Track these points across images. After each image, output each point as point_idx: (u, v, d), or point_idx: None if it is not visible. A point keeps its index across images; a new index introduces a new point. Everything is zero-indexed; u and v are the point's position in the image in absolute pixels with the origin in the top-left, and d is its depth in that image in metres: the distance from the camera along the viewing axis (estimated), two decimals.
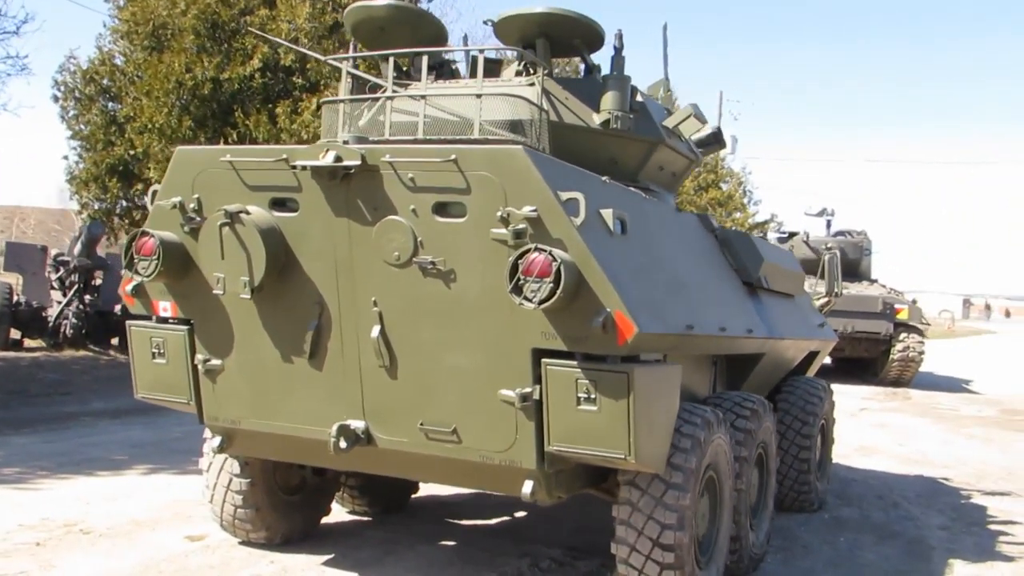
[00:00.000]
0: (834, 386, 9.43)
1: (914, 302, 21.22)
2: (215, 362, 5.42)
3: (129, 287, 5.52)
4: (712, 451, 5.54)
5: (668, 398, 5.11)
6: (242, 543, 6.47)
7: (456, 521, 7.48)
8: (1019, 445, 13.43)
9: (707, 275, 6.30)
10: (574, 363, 4.64)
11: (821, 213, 23.69)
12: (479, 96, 5.54)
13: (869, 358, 21.60)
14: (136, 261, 5.29)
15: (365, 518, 7.35)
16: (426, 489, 7.89)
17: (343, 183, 4.92)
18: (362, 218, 4.92)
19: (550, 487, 5.01)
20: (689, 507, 5.16)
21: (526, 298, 4.47)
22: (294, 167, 4.98)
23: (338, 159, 4.84)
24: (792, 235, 23.42)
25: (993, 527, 8.25)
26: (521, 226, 4.57)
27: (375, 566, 6.14)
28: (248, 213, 5.02)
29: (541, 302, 4.44)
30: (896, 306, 20.42)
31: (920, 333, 20.67)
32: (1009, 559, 7.23)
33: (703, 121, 6.59)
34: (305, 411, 5.28)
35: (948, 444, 12.97)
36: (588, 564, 6.40)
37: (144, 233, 5.27)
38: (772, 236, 24.01)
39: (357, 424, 5.13)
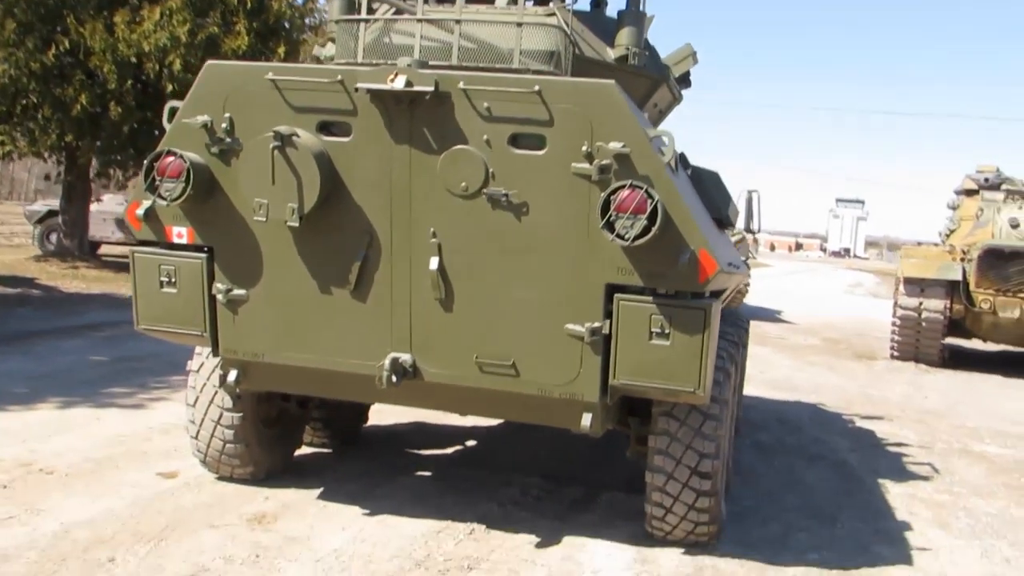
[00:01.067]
0: None
1: (742, 238, 22.29)
2: (238, 292, 5.13)
3: (140, 210, 5.11)
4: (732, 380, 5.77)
5: (717, 332, 5.27)
6: (219, 479, 6.20)
7: (421, 452, 7.43)
8: (859, 371, 14.58)
9: (704, 213, 6.47)
10: (649, 299, 4.70)
11: None
12: (520, 24, 5.41)
13: None
14: (159, 183, 4.91)
15: (325, 450, 7.17)
16: (372, 419, 7.76)
17: (407, 109, 4.72)
18: (426, 146, 4.76)
19: (604, 420, 5.08)
20: (724, 436, 5.36)
21: (619, 235, 4.48)
22: (354, 89, 4.74)
23: (409, 84, 4.64)
24: None
25: (891, 449, 9.00)
26: (606, 162, 4.56)
27: (370, 499, 6.03)
28: (298, 136, 4.74)
29: (635, 239, 4.47)
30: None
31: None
32: (925, 478, 7.93)
33: (696, 61, 6.70)
34: (344, 344, 5.10)
35: (801, 371, 13.91)
36: (574, 491, 6.54)
37: (170, 153, 4.89)
38: None
39: (403, 357, 5.01)
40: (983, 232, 15.82)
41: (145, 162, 4.96)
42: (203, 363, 5.94)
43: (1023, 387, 14.59)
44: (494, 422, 8.29)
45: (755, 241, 26.68)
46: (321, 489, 6.19)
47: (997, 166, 19.66)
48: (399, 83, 4.64)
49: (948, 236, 18.23)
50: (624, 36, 6.13)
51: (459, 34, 5.44)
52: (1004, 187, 18.24)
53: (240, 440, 5.95)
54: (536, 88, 4.59)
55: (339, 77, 4.79)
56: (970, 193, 18.97)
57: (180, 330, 5.34)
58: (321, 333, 5.13)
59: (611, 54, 6.13)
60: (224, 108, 4.93)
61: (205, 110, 4.95)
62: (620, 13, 6.19)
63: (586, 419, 4.98)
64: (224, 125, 4.93)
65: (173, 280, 5.22)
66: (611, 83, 4.59)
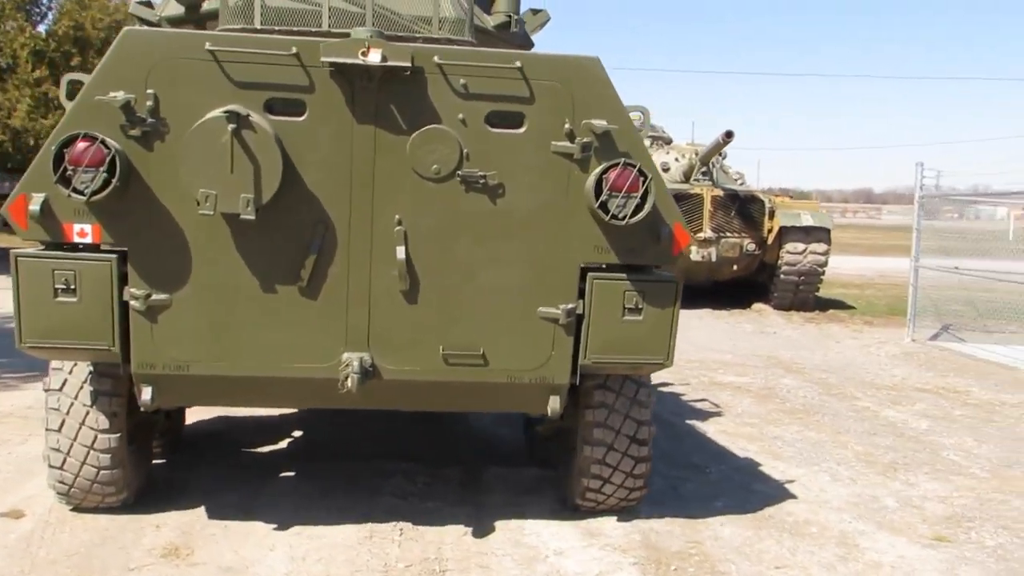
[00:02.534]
0: None
1: None
2: (159, 296, 4.45)
3: (34, 205, 4.24)
4: None
5: None
6: (74, 511, 5.36)
7: (259, 450, 6.87)
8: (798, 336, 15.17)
9: None
10: (623, 276, 4.69)
11: None
12: None
13: None
14: (73, 174, 4.12)
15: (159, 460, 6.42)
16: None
17: (374, 85, 4.32)
18: (394, 126, 4.40)
19: (565, 400, 5.02)
20: (654, 401, 5.49)
21: (614, 216, 4.42)
22: (318, 63, 4.25)
23: (384, 59, 4.23)
24: None
25: (668, 391, 9.66)
26: (587, 139, 4.47)
27: (263, 511, 5.49)
28: (253, 116, 4.18)
29: (629, 218, 4.44)
30: None
31: None
32: (718, 414, 8.62)
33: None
34: (289, 347, 4.61)
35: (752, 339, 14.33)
36: (453, 472, 6.39)
37: (87, 137, 4.11)
38: None
39: (359, 356, 4.62)
40: None
41: (52, 148, 4.12)
42: (66, 380, 5.08)
43: (700, 317, 16.18)
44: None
45: None
46: (202, 506, 5.54)
47: (643, 109, 21.33)
48: (374, 57, 4.21)
49: None
50: (503, 2, 5.95)
51: (371, 1, 5.00)
52: (648, 134, 19.95)
53: (117, 464, 5.16)
54: (517, 64, 4.37)
55: (294, 49, 4.26)
56: None
57: (79, 345, 4.52)
58: (262, 336, 4.58)
59: (490, 21, 5.94)
60: (147, 83, 4.21)
61: (122, 85, 4.20)
62: None
63: (554, 402, 4.90)
64: (148, 103, 4.21)
65: (72, 287, 4.40)
66: (595, 58, 4.48)
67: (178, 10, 5.82)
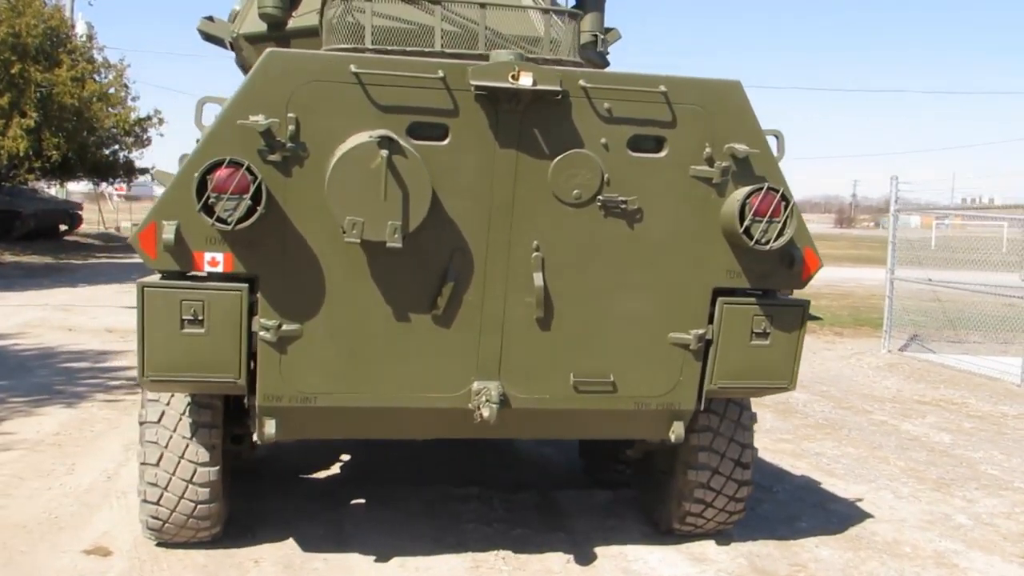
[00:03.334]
0: None
1: None
2: (290, 327, 4.28)
3: (169, 233, 4.05)
4: None
5: None
6: (160, 545, 5.15)
7: (319, 476, 6.70)
8: None
9: None
10: (752, 300, 4.66)
11: None
12: (547, 11, 5.02)
13: None
14: (215, 201, 3.95)
15: None
16: None
17: (519, 109, 4.22)
18: (536, 150, 4.30)
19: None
20: (754, 423, 5.47)
21: (759, 241, 4.39)
22: (457, 88, 4.14)
23: (534, 83, 4.14)
24: None
25: None
26: (726, 164, 4.43)
27: (359, 544, 5.35)
28: (403, 142, 4.06)
29: (772, 243, 4.41)
30: None
31: None
32: None
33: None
34: (419, 377, 4.48)
35: None
36: (527, 496, 6.30)
37: (233, 162, 3.94)
38: None
39: (490, 385, 4.51)
40: None
41: (196, 175, 3.93)
42: (164, 412, 4.87)
43: None
44: None
45: None
46: (290, 539, 5.36)
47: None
48: (525, 81, 4.11)
49: None
50: (589, 20, 5.89)
51: (439, 18, 4.90)
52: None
53: (215, 498, 4.97)
54: (662, 88, 4.31)
55: (441, 73, 4.14)
56: None
57: (204, 378, 4.34)
58: (391, 366, 4.44)
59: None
60: (288, 107, 4.05)
61: (263, 108, 4.04)
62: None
63: (678, 428, 4.85)
64: (290, 128, 4.05)
65: (200, 318, 4.22)
66: (736, 82, 4.44)
67: (259, 27, 5.65)
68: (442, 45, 4.84)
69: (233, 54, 6.64)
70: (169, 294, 4.18)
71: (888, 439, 8.68)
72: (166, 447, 4.84)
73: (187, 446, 4.86)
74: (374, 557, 5.15)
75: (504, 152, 4.26)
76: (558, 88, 4.16)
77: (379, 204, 4.03)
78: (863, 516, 6.21)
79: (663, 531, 5.61)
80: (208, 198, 3.94)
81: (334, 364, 4.39)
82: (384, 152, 3.97)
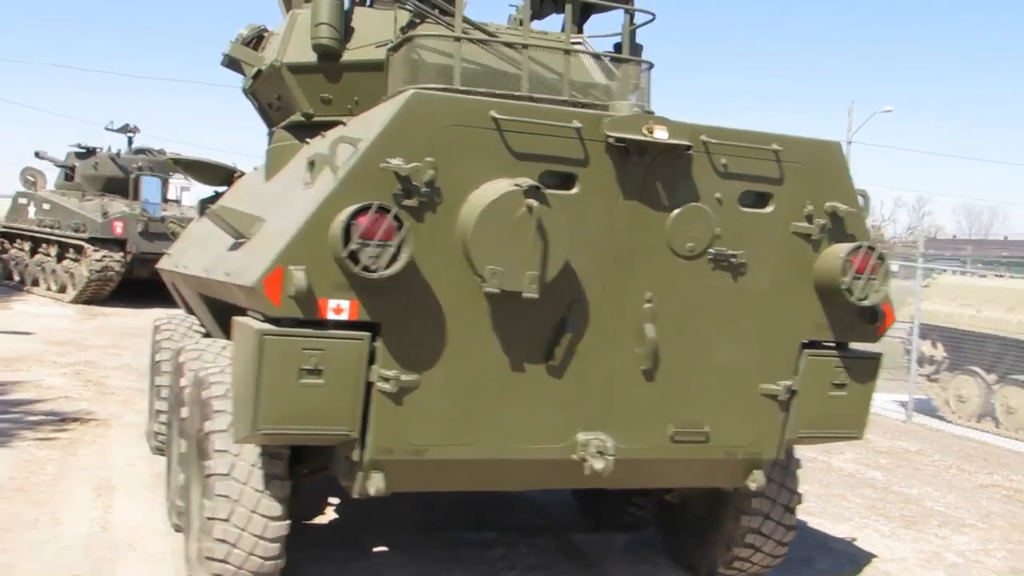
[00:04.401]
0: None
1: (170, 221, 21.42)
2: (408, 377, 4.14)
3: (301, 281, 3.85)
4: None
5: None
6: None
7: (327, 519, 6.44)
8: None
9: None
10: (833, 352, 4.82)
11: (123, 129, 22.36)
12: (619, 61, 5.07)
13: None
14: (359, 248, 3.80)
15: None
16: None
17: (645, 162, 4.25)
18: (656, 203, 4.35)
19: None
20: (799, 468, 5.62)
21: (860, 297, 4.55)
22: (589, 138, 4.15)
23: (669, 136, 4.19)
24: (91, 151, 21.75)
25: None
26: (823, 221, 4.59)
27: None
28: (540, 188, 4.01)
29: (869, 298, 4.58)
30: None
31: None
32: None
33: None
34: (527, 428, 4.41)
35: None
36: (546, 540, 6.27)
37: (381, 208, 3.80)
38: (69, 149, 21.97)
39: (598, 436, 4.48)
40: None
41: (341, 219, 3.76)
42: (234, 464, 4.59)
43: None
44: None
45: None
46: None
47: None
48: (660, 134, 4.15)
49: None
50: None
51: (527, 63, 4.91)
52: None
53: (282, 553, 4.72)
54: (775, 146, 4.43)
55: (576, 123, 4.12)
56: None
57: (317, 430, 4.13)
58: (502, 418, 4.35)
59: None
60: (428, 151, 3.94)
61: (403, 151, 3.91)
62: (618, 45, 5.98)
63: (758, 476, 4.93)
64: (430, 172, 3.94)
65: (319, 368, 4.02)
66: (837, 142, 4.60)
67: (307, 57, 5.44)
68: (528, 89, 4.81)
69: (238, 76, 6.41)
70: (290, 343, 3.97)
71: (831, 476, 9.06)
72: (238, 501, 4.56)
73: (260, 500, 4.59)
74: None
75: (627, 203, 4.27)
76: (689, 143, 4.21)
77: (521, 254, 3.97)
78: (868, 556, 6.48)
79: (702, 575, 5.68)
80: (355, 247, 3.78)
81: (447, 416, 4.26)
82: (531, 201, 3.91)
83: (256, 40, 6.22)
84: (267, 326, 3.99)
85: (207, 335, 7.81)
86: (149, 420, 8.20)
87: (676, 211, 4.34)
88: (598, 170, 4.20)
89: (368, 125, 4.13)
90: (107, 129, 22.25)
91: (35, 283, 21.45)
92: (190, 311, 8.17)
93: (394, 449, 4.23)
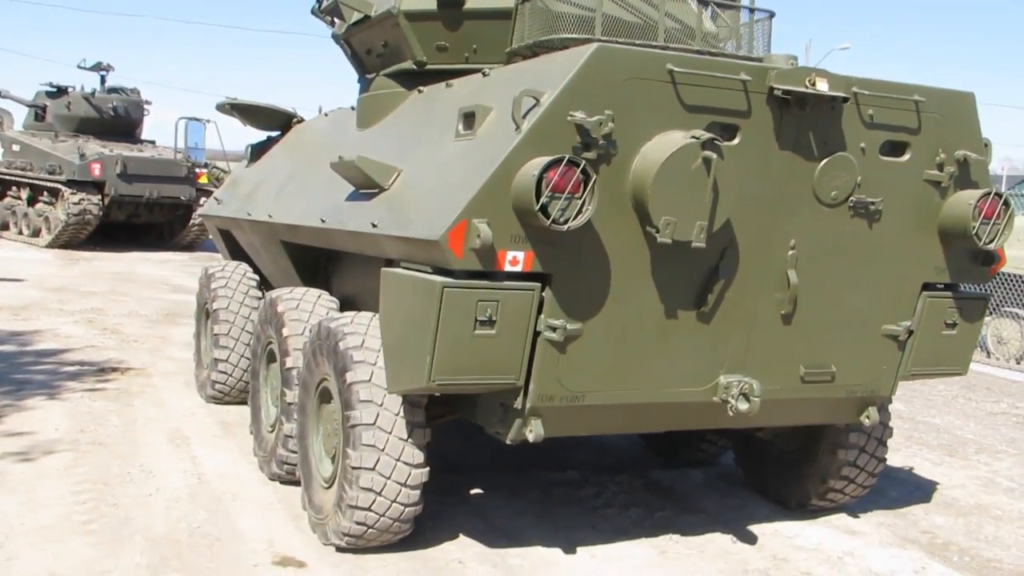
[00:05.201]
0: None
1: (208, 165, 21.18)
2: (572, 326, 4.22)
3: (484, 232, 3.91)
4: None
5: None
6: (347, 551, 4.94)
7: None
8: None
9: None
10: (948, 294, 5.01)
11: (96, 67, 21.70)
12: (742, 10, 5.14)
13: (163, 223, 20.98)
14: (548, 201, 3.85)
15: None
16: None
17: (801, 113, 4.35)
18: (807, 153, 4.45)
19: None
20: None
21: (987, 241, 4.72)
22: (753, 90, 4.23)
23: (829, 88, 4.28)
24: (63, 90, 21.14)
25: None
26: (952, 169, 4.73)
27: (529, 529, 5.35)
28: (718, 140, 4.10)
29: (995, 242, 4.75)
30: (197, 171, 20.16)
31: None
32: None
33: None
34: (673, 372, 4.54)
35: None
36: (628, 478, 6.44)
37: (571, 162, 3.86)
38: (39, 88, 21.33)
39: (736, 379, 4.63)
40: None
41: (532, 172, 3.81)
42: (379, 414, 4.65)
43: None
44: None
45: None
46: (459, 536, 5.26)
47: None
48: (822, 86, 4.23)
49: None
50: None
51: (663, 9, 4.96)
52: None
53: (421, 500, 4.82)
54: (916, 96, 4.55)
55: (743, 75, 4.19)
56: None
57: (486, 380, 4.22)
58: (651, 363, 4.47)
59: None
60: (607, 103, 3.98)
61: (585, 105, 3.96)
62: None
63: (872, 413, 5.13)
64: (609, 125, 3.98)
65: (493, 319, 4.09)
66: (971, 93, 4.73)
67: (426, 4, 5.39)
68: (665, 40, 4.86)
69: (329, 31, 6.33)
70: (468, 294, 4.02)
71: None
72: (383, 450, 4.63)
73: (403, 448, 4.67)
74: (560, 549, 5.15)
75: (781, 154, 4.37)
76: (846, 94, 4.31)
77: (694, 205, 4.05)
78: (932, 484, 6.76)
79: (793, 507, 5.90)
80: (543, 199, 3.83)
81: (605, 362, 4.37)
82: (708, 154, 3.99)
83: None
84: (445, 279, 4.03)
85: (261, 284, 7.81)
86: (201, 369, 8.17)
87: (824, 161, 4.44)
88: (758, 121, 4.28)
89: (541, 77, 4.15)
90: (79, 67, 21.55)
91: (4, 227, 20.93)
92: (239, 258, 8.12)
93: (554, 396, 4.33)
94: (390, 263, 4.63)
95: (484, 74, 4.85)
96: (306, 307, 5.87)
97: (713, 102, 4.18)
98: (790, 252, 4.53)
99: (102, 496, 5.55)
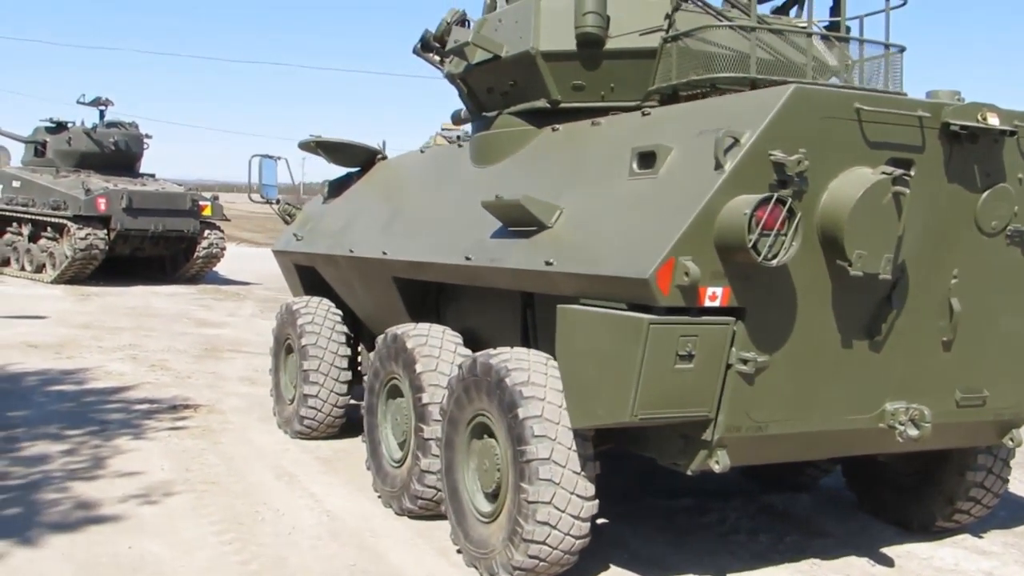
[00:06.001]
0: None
1: (216, 198, 21.12)
2: (762, 359, 4.34)
3: (695, 271, 4.03)
4: None
5: None
6: None
7: None
8: None
9: None
10: None
11: (95, 102, 21.58)
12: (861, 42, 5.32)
13: (167, 256, 20.83)
14: (758, 238, 3.99)
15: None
16: None
17: (968, 146, 4.52)
18: (972, 184, 4.63)
19: None
20: None
21: None
22: (928, 126, 4.41)
23: (1000, 123, 4.47)
24: (63, 125, 21.00)
25: None
26: None
27: (669, 557, 5.44)
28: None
29: None
30: (200, 203, 20.08)
31: (221, 230, 20.72)
32: None
33: None
34: (844, 400, 4.67)
35: None
36: (743, 503, 6.55)
37: (778, 200, 3.99)
38: (39, 124, 21.20)
39: (902, 405, 4.75)
40: None
41: (744, 210, 3.93)
42: (553, 448, 4.72)
43: None
44: None
45: None
46: (610, 567, 5.34)
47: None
48: (993, 121, 4.41)
49: None
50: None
51: (811, 49, 5.13)
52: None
53: (590, 532, 4.89)
54: None
55: (920, 111, 4.35)
56: None
57: (682, 413, 4.32)
58: (826, 392, 4.60)
59: None
60: (802, 142, 4.12)
61: (781, 143, 4.10)
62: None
63: (1016, 434, 5.26)
64: (804, 163, 4.12)
65: (691, 353, 4.19)
66: None
67: (564, 45, 5.49)
68: (813, 76, 5.00)
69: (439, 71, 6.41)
70: (671, 330, 4.13)
71: None
72: (559, 484, 4.70)
73: (577, 482, 4.74)
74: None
75: (948, 186, 4.53)
76: (1013, 128, 4.48)
77: (883, 238, 4.20)
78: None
79: (915, 529, 6.03)
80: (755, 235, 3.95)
81: (786, 392, 4.48)
82: (899, 188, 4.13)
83: (460, 24, 6.23)
84: (650, 316, 4.12)
85: (344, 319, 7.84)
86: (283, 405, 8.17)
87: (987, 192, 4.61)
88: (931, 155, 4.45)
89: (727, 116, 4.27)
90: (79, 103, 21.41)
91: (4, 263, 20.66)
92: (314, 293, 8.14)
93: (741, 427, 4.43)
94: (562, 300, 4.70)
95: (644, 113, 4.96)
96: (435, 343, 5.93)
97: (892, 138, 4.34)
98: (952, 280, 4.68)
99: (245, 536, 5.56)
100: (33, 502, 6.04)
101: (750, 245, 3.95)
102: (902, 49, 5.36)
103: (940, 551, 5.78)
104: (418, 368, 5.78)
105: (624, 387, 4.19)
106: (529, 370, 4.90)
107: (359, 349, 8.15)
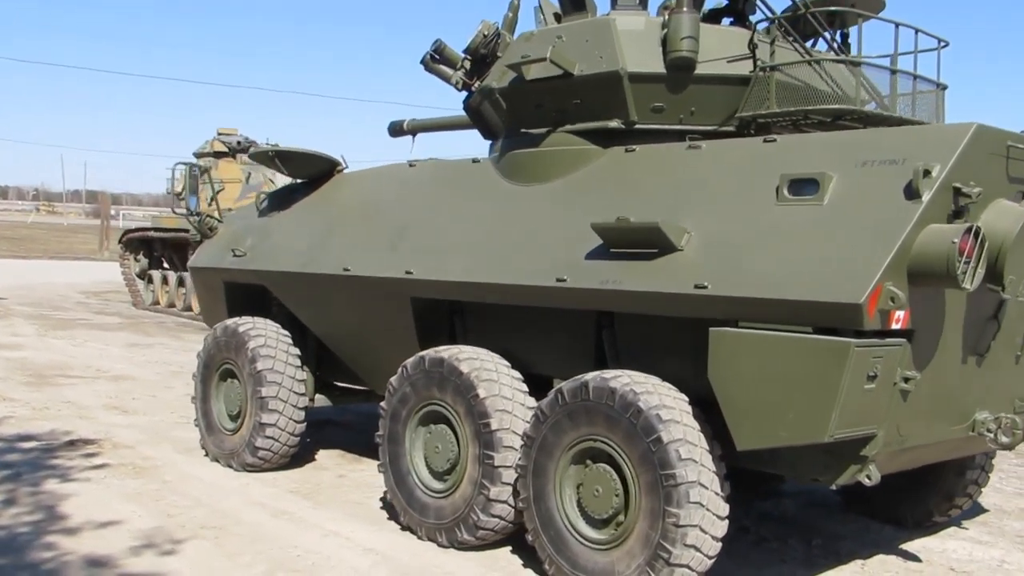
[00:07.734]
0: None
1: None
2: (917, 376, 4.63)
3: (900, 297, 4.25)
4: None
5: None
6: None
7: None
8: None
9: None
10: None
11: None
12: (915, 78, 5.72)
13: None
14: (958, 265, 4.28)
15: None
16: None
17: None
18: None
19: None
20: None
21: None
22: None
23: None
24: None
25: None
26: None
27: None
28: None
29: None
30: None
31: None
32: None
33: None
34: (949, 412, 5.05)
35: None
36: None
37: (975, 231, 4.29)
38: None
39: (987, 414, 5.19)
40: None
41: (952, 239, 4.19)
42: (700, 471, 4.73)
43: None
44: None
45: None
46: None
47: (238, 129, 20.80)
48: None
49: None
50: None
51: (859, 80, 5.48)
52: (252, 150, 19.91)
53: (719, 551, 4.96)
54: None
55: None
56: (219, 155, 19.90)
57: (863, 430, 4.50)
58: (944, 405, 4.95)
59: None
60: (972, 175, 4.45)
61: (960, 176, 4.40)
62: None
63: None
64: (977, 194, 4.44)
65: (875, 374, 4.39)
66: None
67: (652, 67, 5.48)
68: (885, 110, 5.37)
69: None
70: (868, 352, 4.29)
71: None
72: (706, 507, 4.73)
73: (719, 503, 4.80)
74: None
75: None
76: None
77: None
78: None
79: (910, 526, 6.56)
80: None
81: (924, 407, 4.77)
82: None
83: (494, 38, 6.05)
84: (854, 340, 4.26)
85: (293, 340, 7.40)
86: (221, 436, 7.52)
87: None
88: None
89: (906, 149, 4.49)
90: None
91: None
92: (252, 314, 7.60)
93: (891, 442, 4.68)
94: (704, 323, 4.72)
95: (767, 140, 5.06)
96: (489, 366, 5.73)
97: (1021, 172, 4.75)
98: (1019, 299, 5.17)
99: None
100: (33, 564, 5.21)
101: (958, 272, 4.19)
102: (944, 87, 5.84)
103: (949, 543, 6.32)
104: (481, 393, 5.56)
105: (820, 408, 4.29)
106: (659, 393, 4.88)
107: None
